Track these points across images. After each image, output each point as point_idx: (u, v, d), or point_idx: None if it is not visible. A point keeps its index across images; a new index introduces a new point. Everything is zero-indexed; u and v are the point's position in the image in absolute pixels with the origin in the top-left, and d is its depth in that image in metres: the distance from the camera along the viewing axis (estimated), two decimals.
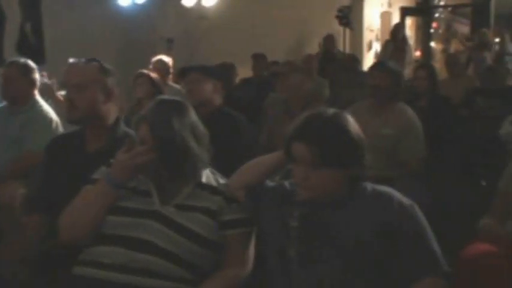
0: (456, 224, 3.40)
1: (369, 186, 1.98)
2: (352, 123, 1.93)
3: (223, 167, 2.26)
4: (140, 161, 2.08)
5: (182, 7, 7.08)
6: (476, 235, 2.43)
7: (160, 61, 5.77)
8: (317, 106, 3.95)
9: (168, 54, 6.19)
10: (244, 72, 7.09)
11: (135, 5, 6.59)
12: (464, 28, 12.34)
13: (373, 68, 4.18)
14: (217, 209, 2.13)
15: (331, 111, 1.95)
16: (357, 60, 8.20)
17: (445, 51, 11.94)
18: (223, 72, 4.04)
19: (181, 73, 3.79)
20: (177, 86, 5.54)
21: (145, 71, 4.96)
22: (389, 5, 12.96)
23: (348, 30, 9.79)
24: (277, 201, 2.04)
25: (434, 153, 3.96)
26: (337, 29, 9.54)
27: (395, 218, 1.89)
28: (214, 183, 2.19)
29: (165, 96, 2.30)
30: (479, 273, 2.06)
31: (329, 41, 8.83)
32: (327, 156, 1.85)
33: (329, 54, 8.76)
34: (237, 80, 7.00)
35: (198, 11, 7.20)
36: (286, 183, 2.11)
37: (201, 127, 2.19)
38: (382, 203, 1.92)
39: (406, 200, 1.95)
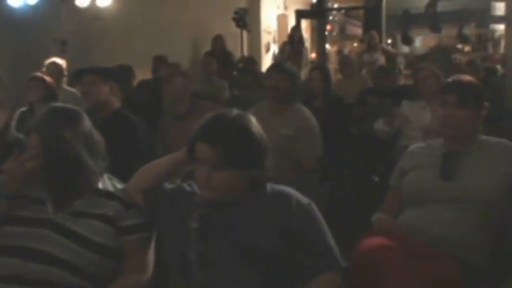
0: (352, 220, 3.51)
1: (269, 186, 2.00)
2: (255, 124, 1.95)
3: (122, 171, 2.22)
4: (28, 168, 2.01)
5: (76, 8, 6.88)
6: (370, 229, 2.50)
7: (54, 64, 5.59)
8: (217, 108, 3.99)
9: (61, 56, 6.00)
10: (141, 74, 6.99)
11: (27, 5, 6.34)
12: (357, 30, 12.75)
13: (270, 69, 4.23)
14: (115, 215, 2.09)
15: (234, 112, 1.95)
16: (254, 61, 8.29)
17: (339, 52, 12.29)
18: (120, 74, 3.97)
19: (76, 75, 3.69)
20: (72, 89, 5.38)
21: (38, 74, 4.77)
22: (285, 7, 13.18)
23: (245, 32, 9.86)
24: (176, 203, 2.03)
25: (329, 151, 4.06)
26: (235, 30, 9.58)
27: (293, 217, 1.92)
28: (111, 188, 2.15)
29: (57, 104, 2.20)
30: (374, 266, 2.12)
31: (217, 41, 8.86)
32: (230, 158, 1.86)
33: (224, 55, 8.79)
34: (135, 82, 6.89)
35: (92, 12, 7.02)
36: (185, 185, 2.10)
37: (95, 135, 2.14)
38: (280, 203, 1.95)
39: (303, 199, 1.99)
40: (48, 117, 2.07)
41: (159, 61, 7.03)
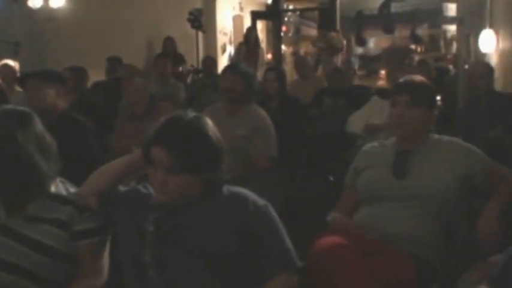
0: (308, 219, 3.53)
1: (225, 188, 1.99)
2: (211, 127, 1.94)
3: (73, 173, 2.19)
4: None
5: (28, 9, 6.75)
6: (326, 228, 2.52)
7: (6, 66, 5.48)
8: (173, 109, 3.98)
9: (14, 58, 5.88)
10: (95, 75, 6.90)
11: None
12: (312, 31, 12.84)
13: (225, 70, 4.21)
14: (68, 219, 2.06)
15: (191, 114, 1.94)
16: (214, 61, 8.27)
17: (295, 53, 12.36)
18: (65, 76, 3.90)
19: (20, 80, 3.65)
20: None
21: None
22: (241, 9, 13.20)
23: (201, 33, 9.83)
24: (131, 206, 2.01)
25: (285, 151, 4.09)
26: (190, 31, 9.54)
27: (250, 219, 1.92)
28: (64, 192, 2.12)
29: (8, 106, 2.16)
30: (329, 265, 2.13)
31: (168, 43, 8.83)
32: (186, 162, 1.85)
33: (176, 56, 8.75)
34: (89, 83, 6.80)
35: (45, 13, 6.89)
36: (141, 187, 2.08)
37: (47, 138, 2.10)
38: (236, 204, 1.94)
39: (260, 200, 1.98)
40: None
41: (114, 62, 6.96)
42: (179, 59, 8.79)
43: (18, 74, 5.53)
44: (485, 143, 3.83)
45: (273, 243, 1.94)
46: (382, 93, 4.73)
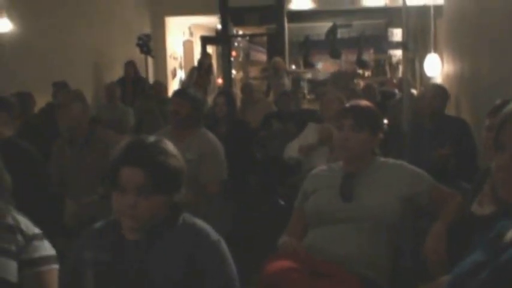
0: (258, 243, 3.54)
1: (181, 217, 1.97)
2: (173, 148, 1.94)
3: (19, 201, 2.15)
4: None
5: None
6: (276, 252, 2.54)
7: None
8: (120, 137, 3.91)
9: None
10: (43, 100, 6.80)
11: None
12: (261, 56, 12.97)
13: (174, 94, 4.24)
14: (15, 248, 2.01)
15: (151, 138, 1.94)
16: (163, 86, 8.26)
17: (243, 79, 12.45)
18: (11, 102, 3.78)
19: None
20: None
21: None
22: (191, 34, 13.25)
23: (150, 58, 9.82)
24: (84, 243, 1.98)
25: (234, 175, 4.10)
26: (139, 56, 9.53)
27: (202, 255, 1.89)
28: (11, 221, 2.07)
29: None
30: (280, 287, 2.16)
31: (129, 67, 8.80)
32: (158, 181, 1.83)
33: (136, 80, 8.72)
34: (35, 108, 6.69)
35: None
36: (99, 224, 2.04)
37: (3, 174, 2.07)
38: (191, 238, 1.92)
39: (214, 235, 1.96)
40: None
41: (60, 87, 6.86)
42: (141, 82, 8.76)
43: None
44: (431, 163, 3.94)
45: (220, 279, 1.91)
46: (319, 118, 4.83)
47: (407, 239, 2.66)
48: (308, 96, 10.99)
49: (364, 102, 2.83)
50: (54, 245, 2.13)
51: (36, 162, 3.42)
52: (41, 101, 6.77)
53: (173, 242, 1.90)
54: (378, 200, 2.57)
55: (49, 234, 2.14)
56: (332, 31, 11.23)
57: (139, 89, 8.60)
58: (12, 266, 2.00)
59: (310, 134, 4.72)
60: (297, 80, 10.90)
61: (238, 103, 8.00)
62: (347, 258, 2.48)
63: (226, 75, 10.68)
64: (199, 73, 9.92)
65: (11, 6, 6.98)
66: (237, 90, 10.02)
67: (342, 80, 7.20)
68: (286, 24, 10.56)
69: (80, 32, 8.44)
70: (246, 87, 7.84)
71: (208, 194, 3.80)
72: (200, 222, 1.99)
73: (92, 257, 1.91)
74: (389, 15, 10.62)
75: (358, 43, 11.70)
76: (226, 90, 8.13)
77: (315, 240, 2.60)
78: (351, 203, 2.59)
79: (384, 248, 2.56)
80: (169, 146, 1.94)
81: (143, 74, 9.44)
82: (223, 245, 1.96)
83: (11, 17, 6.97)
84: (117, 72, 9.02)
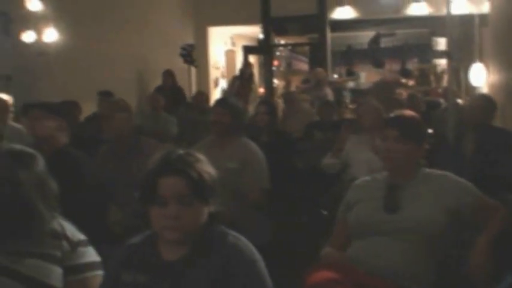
0: (300, 253, 3.52)
1: (222, 231, 1.94)
2: (205, 159, 1.93)
3: (67, 208, 2.18)
4: None
5: (21, 43, 6.80)
6: (319, 263, 2.52)
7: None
8: (162, 146, 3.95)
9: (6, 91, 5.89)
10: (88, 109, 6.93)
11: None
12: (303, 65, 12.98)
13: (215, 104, 4.28)
14: (61, 254, 2.05)
15: (181, 150, 1.93)
16: (204, 95, 8.31)
17: (286, 87, 12.47)
18: (66, 110, 3.90)
19: (23, 110, 3.66)
20: (18, 126, 5.28)
21: None
22: (233, 43, 13.34)
23: (193, 68, 9.92)
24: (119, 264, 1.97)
25: (275, 185, 4.09)
26: (182, 66, 9.63)
27: (240, 276, 1.85)
28: (58, 228, 2.10)
29: (12, 147, 2.14)
30: None
31: (167, 76, 8.88)
32: (198, 190, 1.83)
33: (175, 90, 8.80)
34: (82, 117, 6.83)
35: (37, 47, 6.94)
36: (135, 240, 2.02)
37: (49, 181, 2.09)
38: (229, 257, 1.87)
39: (252, 254, 1.91)
40: (3, 160, 2.03)
41: (104, 96, 6.99)
42: (178, 92, 8.85)
43: (11, 108, 5.53)
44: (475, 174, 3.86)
45: None
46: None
47: (452, 251, 2.61)
48: (350, 106, 10.92)
49: (408, 113, 2.80)
50: (98, 252, 2.16)
51: (87, 171, 3.47)
52: (87, 109, 6.91)
53: (210, 262, 1.86)
54: (423, 212, 2.53)
55: (93, 241, 2.17)
56: (375, 40, 11.18)
57: (177, 98, 8.67)
58: (57, 271, 2.03)
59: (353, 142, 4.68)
60: (339, 89, 10.84)
61: (280, 112, 8.01)
62: (391, 270, 2.44)
63: (268, 85, 10.71)
64: (241, 82, 9.96)
65: (58, 17, 7.16)
66: (279, 100, 10.03)
67: (384, 91, 7.12)
68: (328, 34, 10.54)
69: (124, 42, 8.58)
70: (288, 97, 7.83)
71: (249, 202, 3.80)
72: (239, 240, 1.94)
73: (131, 279, 1.90)
74: (433, 24, 10.51)
75: (401, 52, 11.61)
76: (267, 100, 8.15)
77: (358, 252, 2.57)
78: (395, 215, 2.55)
79: (428, 260, 2.51)
80: (201, 155, 1.94)
81: (186, 84, 9.53)
82: (262, 265, 1.91)
83: (57, 27, 7.15)
84: (160, 82, 9.13)
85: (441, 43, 11.12)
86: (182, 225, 1.83)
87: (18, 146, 2.15)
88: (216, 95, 11.59)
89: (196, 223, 1.87)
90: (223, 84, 12.36)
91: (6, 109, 5.46)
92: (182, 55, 9.47)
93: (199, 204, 1.85)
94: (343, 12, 10.23)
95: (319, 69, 8.98)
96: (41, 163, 2.10)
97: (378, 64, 11.40)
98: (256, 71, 12.35)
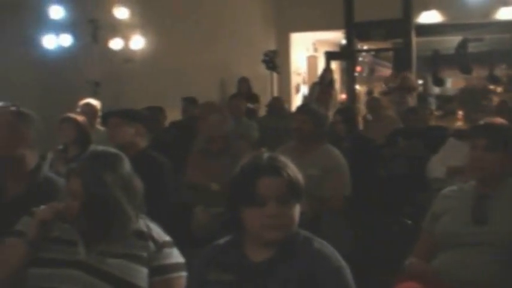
0: (382, 263, 3.45)
1: (306, 236, 1.92)
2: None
3: (148, 210, 2.22)
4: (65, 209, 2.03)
5: (109, 50, 7.03)
6: (403, 273, 2.46)
7: (88, 104, 5.67)
8: (245, 148, 3.99)
9: (94, 97, 6.09)
10: (171, 115, 7.08)
11: (61, 47, 6.49)
12: (387, 71, 12.77)
13: (296, 111, 4.27)
14: (148, 255, 2.08)
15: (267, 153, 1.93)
16: (280, 101, 8.29)
17: (369, 93, 12.30)
18: (146, 115, 4.00)
19: (104, 118, 3.79)
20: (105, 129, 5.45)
21: (71, 115, 4.83)
22: (315, 49, 13.30)
23: (275, 74, 9.95)
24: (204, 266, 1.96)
25: (357, 192, 4.03)
26: (264, 72, 9.68)
27: (325, 283, 1.82)
28: (144, 228, 2.14)
29: (99, 148, 2.20)
30: None
31: (243, 83, 8.94)
32: (295, 188, 1.84)
33: (250, 96, 8.85)
34: (166, 123, 6.98)
35: (124, 54, 7.16)
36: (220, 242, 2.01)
37: (135, 181, 2.15)
38: (314, 262, 1.85)
39: (338, 261, 1.88)
40: (89, 162, 2.09)
41: (189, 102, 7.13)
42: (254, 99, 8.90)
43: (99, 113, 5.72)
44: None
45: None
46: (458, 134, 4.62)
47: None
48: (436, 113, 10.65)
49: (498, 120, 2.70)
50: (182, 253, 2.18)
51: (167, 174, 3.55)
52: (171, 115, 7.06)
53: (295, 266, 1.84)
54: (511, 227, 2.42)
55: (177, 243, 2.20)
56: (462, 45, 10.84)
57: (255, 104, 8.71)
58: (143, 272, 2.07)
59: (451, 150, 4.52)
60: (424, 95, 10.60)
61: (360, 119, 7.91)
62: (477, 284, 2.37)
63: (350, 91, 10.60)
64: (321, 88, 9.90)
65: (144, 24, 7.36)
66: (361, 105, 9.91)
67: (471, 100, 6.88)
68: (413, 38, 10.32)
69: (208, 50, 8.73)
70: (372, 103, 7.71)
71: (331, 209, 3.76)
72: (324, 246, 1.92)
73: (216, 278, 1.90)
74: None
75: (489, 58, 11.22)
76: (342, 108, 8.02)
77: (444, 264, 2.50)
78: (483, 227, 2.46)
79: None
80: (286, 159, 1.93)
81: (268, 90, 9.58)
82: (348, 272, 1.88)
83: (144, 34, 7.35)
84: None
85: None
86: (282, 224, 1.83)
87: (103, 147, 2.21)
88: (297, 101, 11.58)
89: (294, 222, 1.86)
90: (304, 90, 12.35)
91: (95, 114, 5.64)
92: (264, 61, 9.52)
93: (295, 204, 1.85)
94: (430, 16, 10.00)
95: (407, 74, 8.78)
96: (126, 164, 2.15)
97: (466, 70, 11.04)
98: (337, 76, 12.26)
